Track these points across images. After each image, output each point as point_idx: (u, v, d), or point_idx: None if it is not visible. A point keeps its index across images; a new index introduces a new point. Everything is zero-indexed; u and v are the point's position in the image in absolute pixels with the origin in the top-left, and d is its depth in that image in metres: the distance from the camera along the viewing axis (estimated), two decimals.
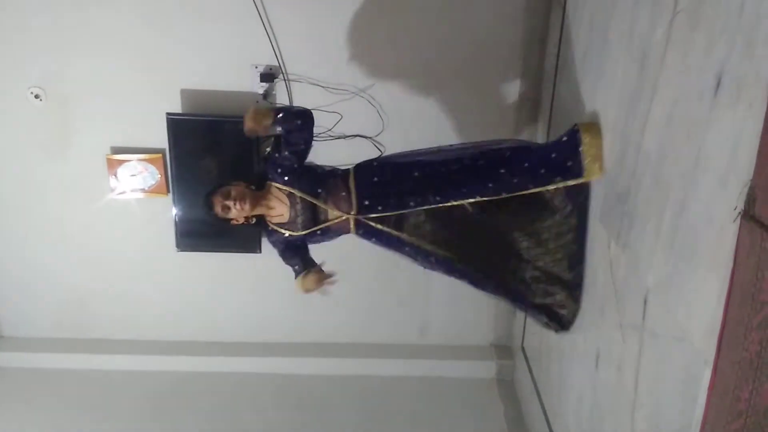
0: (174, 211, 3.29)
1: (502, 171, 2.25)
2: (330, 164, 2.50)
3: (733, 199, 1.29)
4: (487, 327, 3.67)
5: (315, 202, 2.35)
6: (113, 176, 3.29)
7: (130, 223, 3.44)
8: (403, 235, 2.40)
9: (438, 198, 2.30)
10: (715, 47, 1.41)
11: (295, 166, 2.35)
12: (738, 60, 1.32)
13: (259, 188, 2.38)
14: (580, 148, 2.14)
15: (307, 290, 2.42)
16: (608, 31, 2.15)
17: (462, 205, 2.32)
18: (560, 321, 2.46)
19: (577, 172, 2.16)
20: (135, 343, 3.67)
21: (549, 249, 2.38)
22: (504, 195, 2.25)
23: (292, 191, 2.35)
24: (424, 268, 2.56)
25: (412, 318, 3.66)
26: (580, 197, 2.28)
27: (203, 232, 3.37)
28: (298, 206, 2.36)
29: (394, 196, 2.33)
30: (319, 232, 2.41)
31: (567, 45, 2.67)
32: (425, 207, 2.32)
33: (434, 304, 3.62)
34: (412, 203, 2.32)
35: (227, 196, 2.29)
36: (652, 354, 1.72)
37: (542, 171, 2.20)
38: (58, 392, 3.46)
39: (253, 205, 2.33)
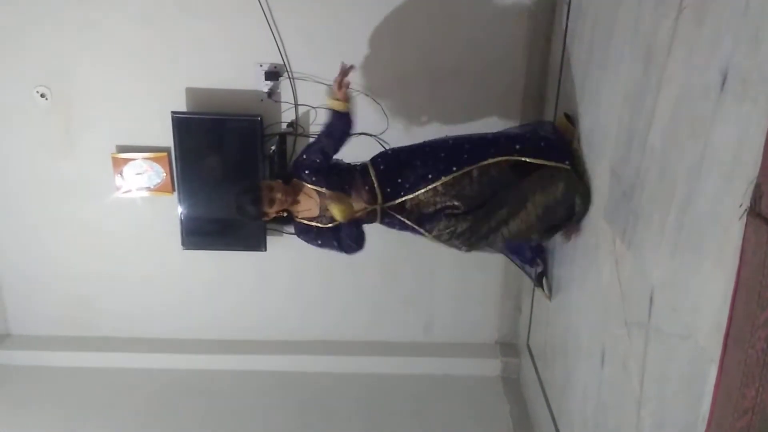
0: (179, 209, 3.30)
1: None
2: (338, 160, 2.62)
3: (739, 196, 1.28)
4: (493, 324, 3.67)
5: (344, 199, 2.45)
6: (119, 175, 3.31)
7: (135, 222, 3.45)
8: (425, 232, 2.53)
9: (454, 167, 2.44)
10: (721, 43, 1.40)
11: (323, 165, 2.50)
12: (743, 56, 1.32)
13: (286, 182, 2.53)
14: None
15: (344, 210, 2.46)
16: (613, 27, 2.14)
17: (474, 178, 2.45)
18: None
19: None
20: (141, 341, 3.69)
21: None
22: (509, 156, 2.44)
23: (320, 189, 2.48)
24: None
25: (416, 315, 3.66)
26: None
27: (209, 231, 3.38)
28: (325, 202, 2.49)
29: (413, 175, 2.47)
30: (345, 223, 2.50)
31: (572, 42, 2.66)
32: (443, 179, 2.44)
33: (439, 301, 3.62)
34: (430, 176, 2.45)
35: (271, 190, 2.43)
36: (658, 351, 1.71)
37: (547, 149, 2.44)
38: (65, 390, 3.48)
39: (294, 200, 2.49)
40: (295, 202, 2.52)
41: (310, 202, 2.52)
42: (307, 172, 2.50)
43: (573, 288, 2.56)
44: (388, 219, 2.54)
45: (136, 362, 3.63)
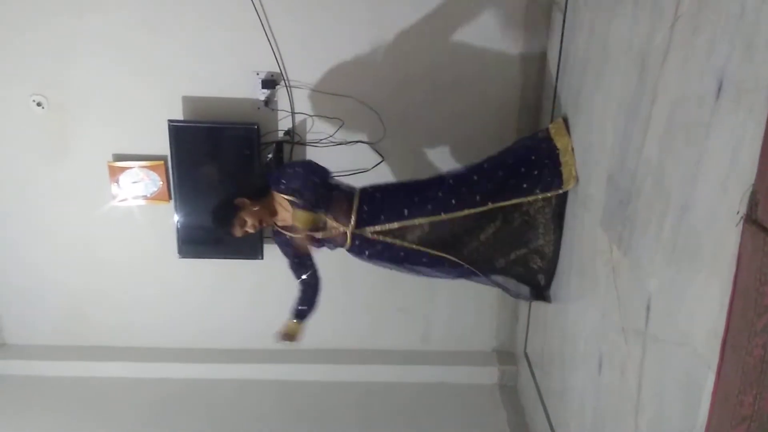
0: (176, 217, 3.29)
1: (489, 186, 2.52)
2: (334, 171, 2.66)
3: (735, 203, 1.29)
4: (490, 332, 3.66)
5: (317, 212, 2.51)
6: (115, 183, 3.30)
7: (131, 230, 3.44)
8: (397, 242, 2.57)
9: (431, 208, 2.52)
10: (716, 51, 1.41)
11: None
12: (738, 64, 1.32)
13: (259, 197, 2.55)
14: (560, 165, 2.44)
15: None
16: (608, 36, 2.16)
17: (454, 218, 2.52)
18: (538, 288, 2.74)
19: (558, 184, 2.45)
20: (136, 350, 3.67)
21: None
22: (490, 205, 2.50)
23: (294, 200, 2.51)
24: (414, 273, 2.73)
25: (414, 324, 3.65)
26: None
27: (205, 239, 3.37)
28: None
29: (391, 209, 2.54)
30: (317, 238, 2.57)
31: (567, 51, 2.67)
32: (421, 218, 2.52)
33: (436, 309, 3.62)
34: (406, 211, 2.52)
35: (243, 224, 2.51)
36: (655, 359, 1.71)
37: (524, 185, 2.48)
38: (60, 399, 3.45)
39: (264, 220, 2.56)
40: (273, 213, 2.58)
41: (286, 214, 2.58)
42: (284, 182, 2.54)
43: (570, 295, 2.56)
44: (359, 241, 2.58)
45: (132, 372, 3.61)
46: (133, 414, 3.38)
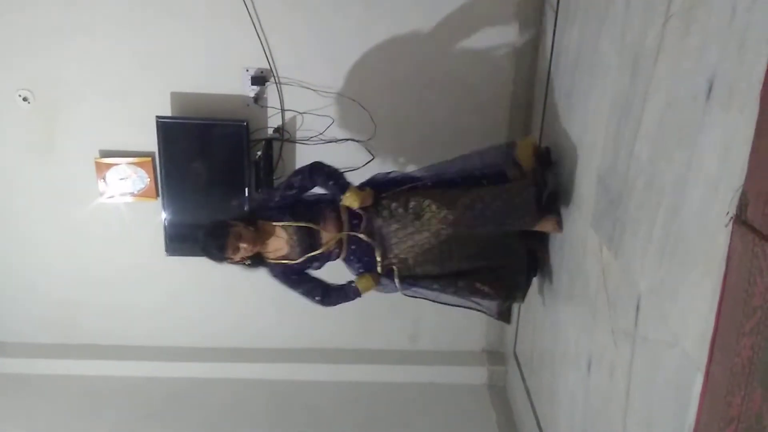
0: (163, 215, 3.26)
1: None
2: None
3: (725, 204, 1.28)
4: (479, 332, 3.66)
5: (310, 225, 2.40)
6: (102, 180, 3.26)
7: (119, 228, 3.40)
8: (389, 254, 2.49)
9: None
10: (707, 51, 1.41)
11: (291, 201, 2.44)
12: (730, 64, 1.32)
13: (251, 224, 2.40)
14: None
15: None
16: (600, 35, 2.15)
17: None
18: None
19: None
20: (126, 349, 3.64)
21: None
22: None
23: (287, 224, 2.40)
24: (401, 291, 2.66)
25: (403, 324, 3.64)
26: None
27: (193, 237, 3.34)
28: (294, 236, 2.41)
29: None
30: (316, 257, 2.46)
31: (559, 50, 2.67)
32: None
33: (426, 309, 3.58)
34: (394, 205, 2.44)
35: (239, 238, 2.32)
36: (645, 360, 1.71)
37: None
38: (48, 398, 3.43)
39: (257, 246, 2.38)
40: (263, 245, 2.43)
41: (278, 242, 2.43)
42: (271, 207, 2.45)
43: (560, 296, 2.55)
44: (354, 245, 2.48)
45: (120, 370, 3.59)
46: (123, 413, 3.35)
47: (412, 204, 2.42)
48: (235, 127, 3.09)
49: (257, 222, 2.41)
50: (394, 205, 2.45)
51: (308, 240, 2.42)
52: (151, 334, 3.65)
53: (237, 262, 2.42)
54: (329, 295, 2.58)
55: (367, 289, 2.56)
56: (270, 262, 2.47)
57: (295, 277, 2.52)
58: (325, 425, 3.31)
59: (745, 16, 1.27)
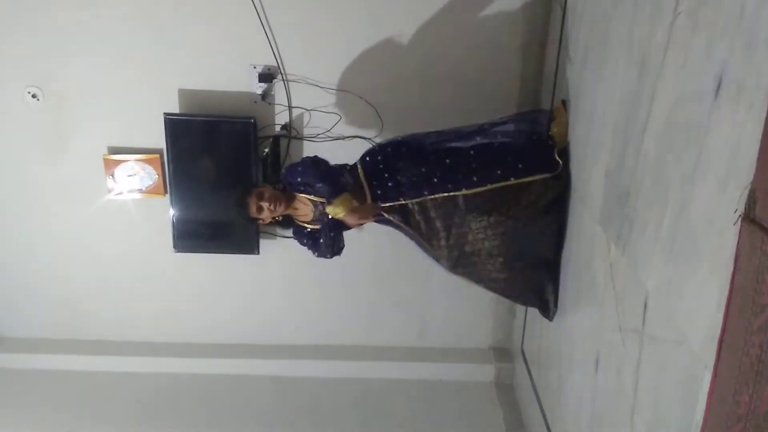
0: (171, 211, 3.28)
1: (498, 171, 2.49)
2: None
3: (734, 201, 1.28)
4: (487, 329, 3.66)
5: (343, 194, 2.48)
6: (110, 177, 3.28)
7: (127, 224, 3.42)
8: (409, 230, 2.57)
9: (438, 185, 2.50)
10: (716, 49, 1.40)
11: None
12: (738, 62, 1.31)
13: (284, 191, 2.58)
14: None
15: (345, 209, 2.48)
16: (608, 33, 2.14)
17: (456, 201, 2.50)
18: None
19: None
20: (132, 345, 3.66)
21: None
22: (489, 186, 2.47)
23: (312, 198, 2.54)
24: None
25: (410, 320, 3.64)
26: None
27: (201, 233, 3.36)
28: (320, 207, 2.53)
29: (403, 185, 2.51)
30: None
31: (566, 47, 2.66)
32: (433, 195, 2.49)
33: (433, 306, 3.61)
34: (421, 190, 2.50)
35: (261, 197, 2.47)
36: (652, 358, 1.71)
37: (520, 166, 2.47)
38: (55, 393, 3.45)
39: (286, 207, 2.54)
40: (293, 208, 2.58)
41: (305, 209, 2.59)
42: (299, 180, 2.56)
43: (567, 293, 2.55)
44: (378, 218, 2.58)
45: (127, 366, 3.60)
46: (127, 408, 3.37)
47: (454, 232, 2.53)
48: (242, 124, 3.10)
49: (286, 189, 2.58)
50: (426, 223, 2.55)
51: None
52: (158, 329, 3.67)
53: (268, 224, 2.61)
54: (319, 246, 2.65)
55: (340, 210, 2.45)
56: (297, 223, 2.63)
57: (306, 240, 2.66)
58: (332, 422, 3.32)
59: (754, 14, 1.26)
